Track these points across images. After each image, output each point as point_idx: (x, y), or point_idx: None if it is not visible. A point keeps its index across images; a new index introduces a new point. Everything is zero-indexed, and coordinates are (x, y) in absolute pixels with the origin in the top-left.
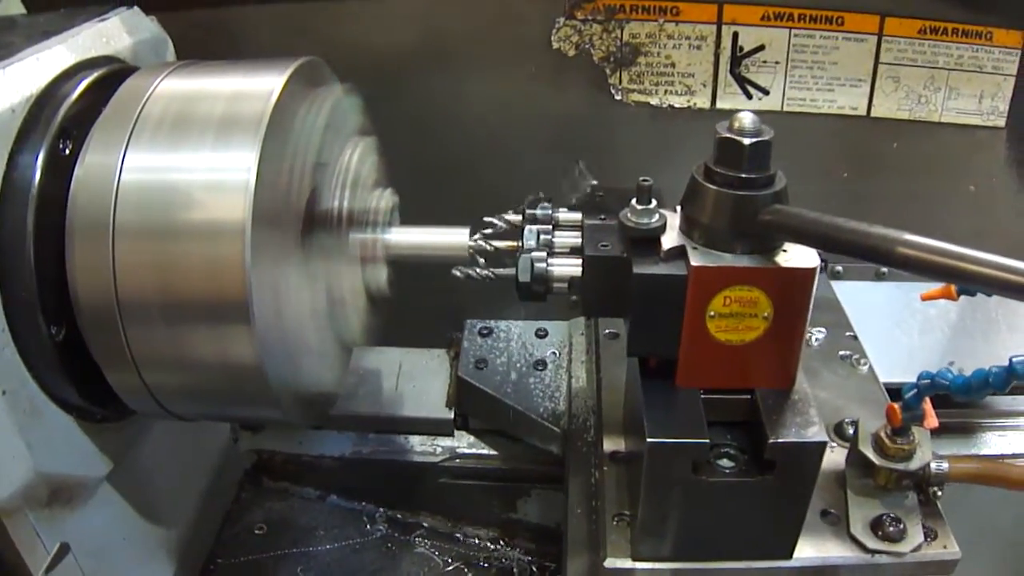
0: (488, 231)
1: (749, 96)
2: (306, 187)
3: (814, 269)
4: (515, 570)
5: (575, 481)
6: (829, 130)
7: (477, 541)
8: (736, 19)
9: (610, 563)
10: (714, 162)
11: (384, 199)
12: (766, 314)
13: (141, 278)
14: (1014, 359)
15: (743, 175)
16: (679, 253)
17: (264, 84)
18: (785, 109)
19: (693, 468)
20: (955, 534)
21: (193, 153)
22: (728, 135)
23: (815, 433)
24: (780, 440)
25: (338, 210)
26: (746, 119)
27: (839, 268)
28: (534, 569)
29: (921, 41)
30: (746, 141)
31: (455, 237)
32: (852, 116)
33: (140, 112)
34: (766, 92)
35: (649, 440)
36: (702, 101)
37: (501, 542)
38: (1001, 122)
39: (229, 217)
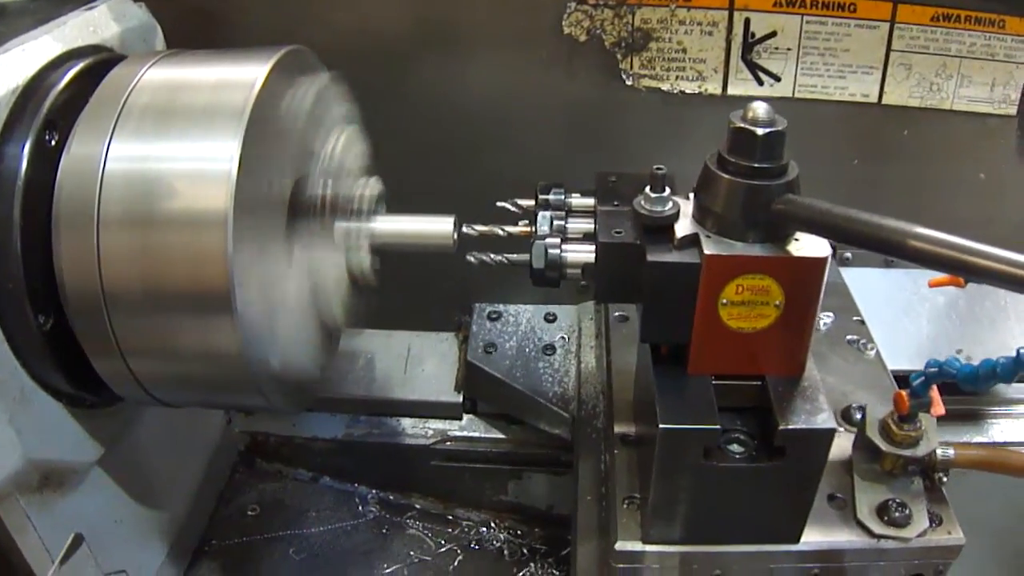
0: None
1: (760, 82)
2: (290, 176)
3: (825, 258)
4: (506, 552)
5: (585, 467)
6: (840, 117)
7: (469, 523)
8: (748, 5)
9: (620, 546)
10: (727, 151)
11: (369, 187)
12: (777, 302)
13: (126, 268)
14: (1022, 350)
15: (756, 165)
16: (692, 241)
17: (247, 74)
18: (796, 96)
19: (704, 453)
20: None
21: (176, 143)
22: (742, 125)
23: (824, 420)
24: (790, 427)
25: (322, 199)
26: (760, 109)
27: (848, 255)
28: (524, 551)
29: (933, 28)
30: (760, 131)
31: (439, 226)
32: (863, 103)
33: (125, 102)
34: (777, 78)
35: (662, 426)
36: (713, 87)
37: (492, 524)
38: (1012, 110)
39: (211, 207)
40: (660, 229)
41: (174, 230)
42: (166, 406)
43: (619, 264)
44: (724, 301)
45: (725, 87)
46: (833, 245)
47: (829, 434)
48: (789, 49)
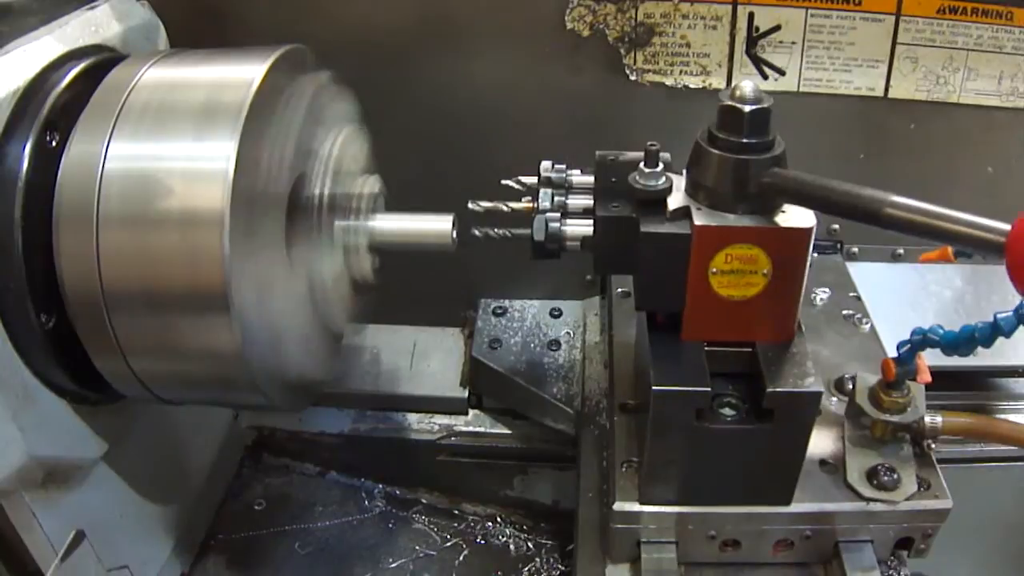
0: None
1: (765, 76)
2: (289, 175)
3: (810, 229)
4: (511, 546)
5: (587, 463)
6: (846, 111)
7: (475, 517)
8: None
9: (618, 506)
10: (717, 128)
11: (368, 186)
12: (765, 271)
13: (124, 267)
14: (998, 315)
15: (744, 140)
16: (684, 213)
17: (245, 73)
18: (801, 90)
19: (696, 415)
20: (959, 517)
21: (174, 142)
22: (729, 103)
23: (811, 384)
24: (777, 390)
25: (322, 197)
26: (747, 87)
27: (855, 249)
28: (530, 546)
29: (940, 21)
30: (746, 108)
31: (438, 224)
32: (869, 97)
33: (124, 102)
34: (782, 73)
35: (654, 388)
36: (717, 82)
37: (498, 519)
38: (1021, 103)
39: (208, 206)
40: (654, 202)
41: (171, 229)
42: (168, 404)
43: (616, 236)
44: (714, 270)
45: (730, 82)
46: (838, 240)
47: (815, 396)
48: (794, 43)
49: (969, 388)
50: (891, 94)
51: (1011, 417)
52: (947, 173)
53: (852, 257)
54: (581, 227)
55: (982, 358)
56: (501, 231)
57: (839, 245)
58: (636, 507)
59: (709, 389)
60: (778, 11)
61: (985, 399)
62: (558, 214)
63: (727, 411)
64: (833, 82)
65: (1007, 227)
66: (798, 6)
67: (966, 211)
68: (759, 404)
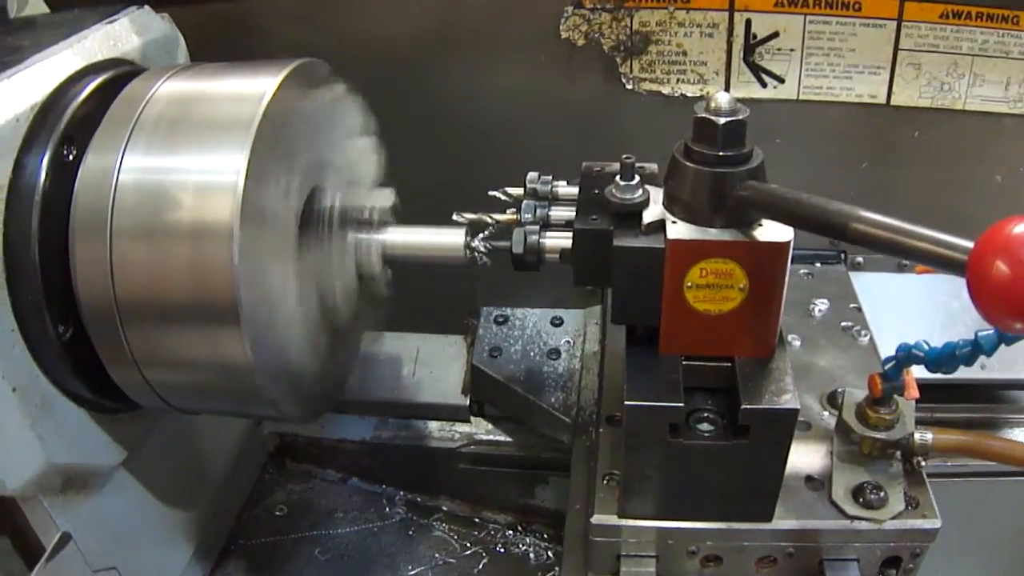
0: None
1: (764, 84)
2: (302, 187)
3: (787, 243)
4: (531, 555)
5: (577, 476)
6: (847, 119)
7: (495, 526)
8: (749, 6)
9: (597, 519)
10: (692, 140)
11: (381, 198)
12: (742, 285)
13: (137, 279)
14: (979, 333)
15: (719, 153)
16: (659, 227)
17: (257, 87)
18: (801, 97)
19: (672, 430)
20: (964, 531)
21: (186, 156)
22: (704, 115)
23: (787, 401)
24: (752, 406)
25: (334, 209)
26: (722, 99)
27: (860, 259)
28: (550, 555)
29: (943, 26)
30: (721, 121)
31: (451, 237)
32: (871, 104)
33: (139, 115)
34: (781, 80)
35: (627, 403)
36: (715, 90)
37: (519, 527)
38: None
39: (217, 219)
40: (630, 215)
41: (182, 241)
42: (183, 413)
43: (593, 249)
44: (689, 284)
45: (727, 90)
46: (843, 249)
47: (791, 414)
48: (792, 50)
49: (979, 401)
50: (894, 101)
51: (1019, 431)
52: (953, 182)
53: (857, 267)
54: (560, 239)
55: (992, 371)
56: (482, 243)
57: (843, 255)
58: (615, 520)
59: (682, 405)
60: (776, 18)
61: (995, 412)
62: (537, 226)
63: (704, 426)
64: (834, 89)
65: (970, 244)
66: (796, 12)
67: (973, 221)
68: (737, 420)
